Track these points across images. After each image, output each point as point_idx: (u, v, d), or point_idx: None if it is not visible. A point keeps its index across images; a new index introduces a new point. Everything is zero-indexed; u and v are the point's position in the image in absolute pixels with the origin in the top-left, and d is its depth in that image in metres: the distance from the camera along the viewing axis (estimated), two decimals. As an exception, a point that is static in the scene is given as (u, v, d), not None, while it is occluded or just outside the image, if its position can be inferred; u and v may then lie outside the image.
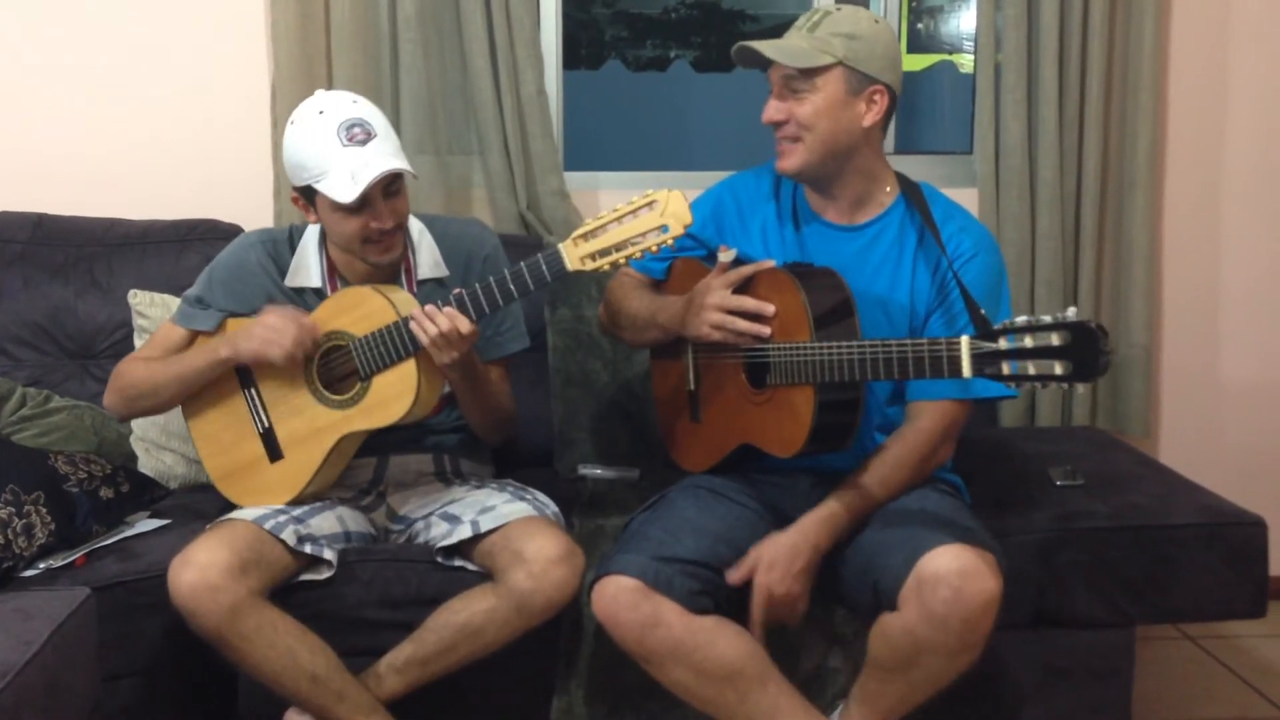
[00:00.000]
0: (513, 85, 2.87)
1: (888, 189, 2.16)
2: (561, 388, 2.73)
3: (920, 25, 7.52)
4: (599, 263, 1.97)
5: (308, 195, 2.17)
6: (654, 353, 2.38)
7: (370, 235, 2.14)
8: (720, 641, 1.97)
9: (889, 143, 3.37)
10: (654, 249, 1.94)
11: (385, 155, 2.11)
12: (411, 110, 2.87)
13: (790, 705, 1.99)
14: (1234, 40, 3.07)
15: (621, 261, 1.96)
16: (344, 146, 2.09)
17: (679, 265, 2.30)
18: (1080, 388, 1.64)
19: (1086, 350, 1.62)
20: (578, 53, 7.46)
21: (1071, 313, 1.64)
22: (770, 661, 2.01)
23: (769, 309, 2.02)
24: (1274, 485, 3.06)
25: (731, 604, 2.03)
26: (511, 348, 2.38)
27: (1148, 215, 2.99)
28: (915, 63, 7.05)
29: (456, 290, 2.08)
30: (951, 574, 1.82)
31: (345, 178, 2.08)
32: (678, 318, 2.11)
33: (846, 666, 2.12)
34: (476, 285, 2.06)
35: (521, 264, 2.03)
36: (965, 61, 6.65)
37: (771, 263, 2.08)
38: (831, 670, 2.14)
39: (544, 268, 2.01)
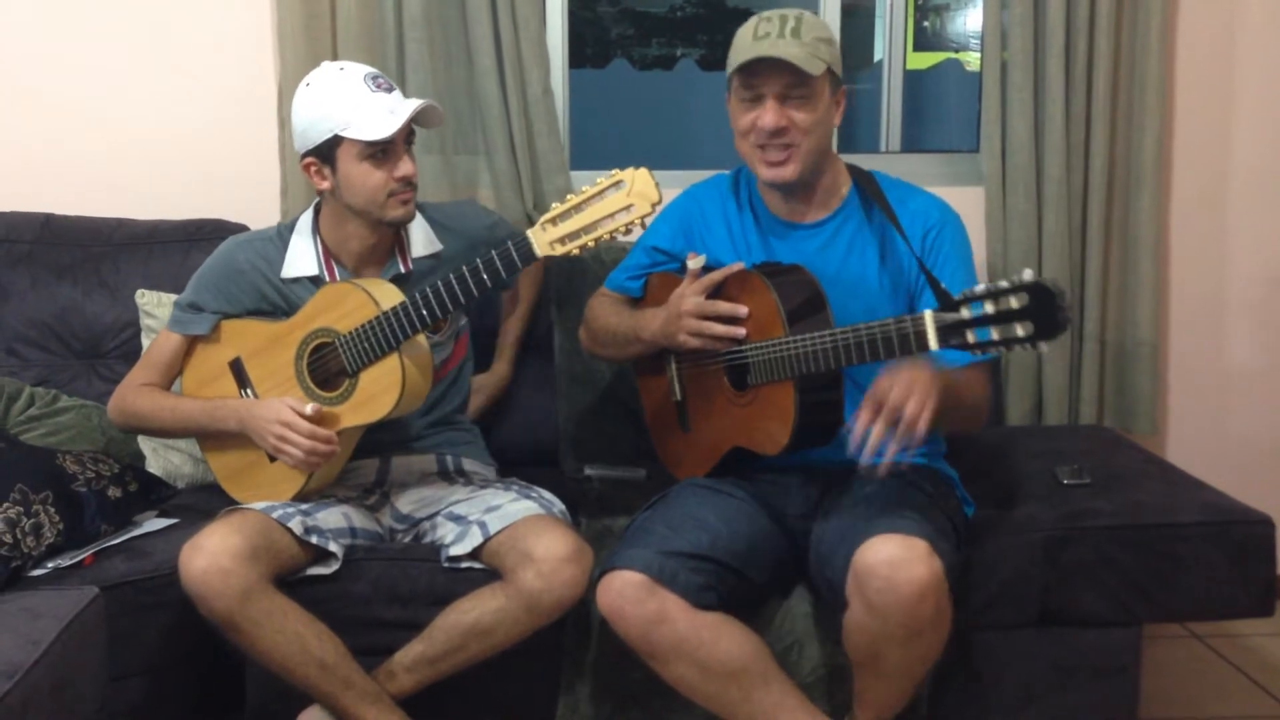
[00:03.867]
0: (518, 84, 2.87)
1: (842, 182, 2.21)
2: (567, 387, 2.74)
3: (926, 23, 7.50)
4: (568, 246, 2.00)
5: (327, 154, 2.18)
6: (638, 368, 2.40)
7: (394, 187, 2.18)
8: (724, 639, 1.98)
9: (894, 141, 3.39)
10: (623, 229, 1.97)
11: (411, 100, 2.18)
12: (417, 110, 2.87)
13: (793, 705, 2.00)
14: (1240, 37, 3.07)
15: (590, 244, 1.99)
16: (373, 92, 2.15)
17: (654, 280, 2.33)
18: (1044, 346, 1.66)
19: (1046, 309, 1.64)
20: (583, 51, 7.45)
21: (1028, 274, 1.66)
22: (774, 660, 2.02)
23: (742, 310, 2.05)
24: (1281, 483, 3.06)
25: (736, 598, 2.04)
26: None
27: (1154, 213, 2.98)
28: (921, 61, 7.04)
29: (432, 284, 2.10)
30: (880, 564, 1.83)
31: (381, 114, 2.13)
32: (657, 330, 2.15)
33: (852, 668, 2.12)
34: (450, 275, 2.09)
35: (492, 252, 2.06)
36: (971, 59, 6.63)
37: (741, 265, 2.11)
38: (838, 671, 2.14)
39: (514, 254, 2.04)
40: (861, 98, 6.12)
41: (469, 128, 2.96)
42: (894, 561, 1.83)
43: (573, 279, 2.73)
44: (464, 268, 2.08)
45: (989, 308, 1.68)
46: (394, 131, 2.12)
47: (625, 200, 1.96)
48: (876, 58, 6.08)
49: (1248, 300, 3.15)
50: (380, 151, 2.15)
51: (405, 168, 2.17)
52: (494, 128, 2.88)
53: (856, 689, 2.02)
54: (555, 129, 2.92)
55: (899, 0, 3.30)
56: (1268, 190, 3.13)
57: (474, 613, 2.07)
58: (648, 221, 1.98)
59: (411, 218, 2.24)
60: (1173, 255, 3.12)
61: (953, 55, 7.12)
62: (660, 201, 1.96)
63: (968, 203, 2.98)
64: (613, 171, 1.97)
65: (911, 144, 5.65)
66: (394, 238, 2.31)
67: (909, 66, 5.71)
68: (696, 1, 7.93)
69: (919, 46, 7.23)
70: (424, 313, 2.09)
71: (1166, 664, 2.82)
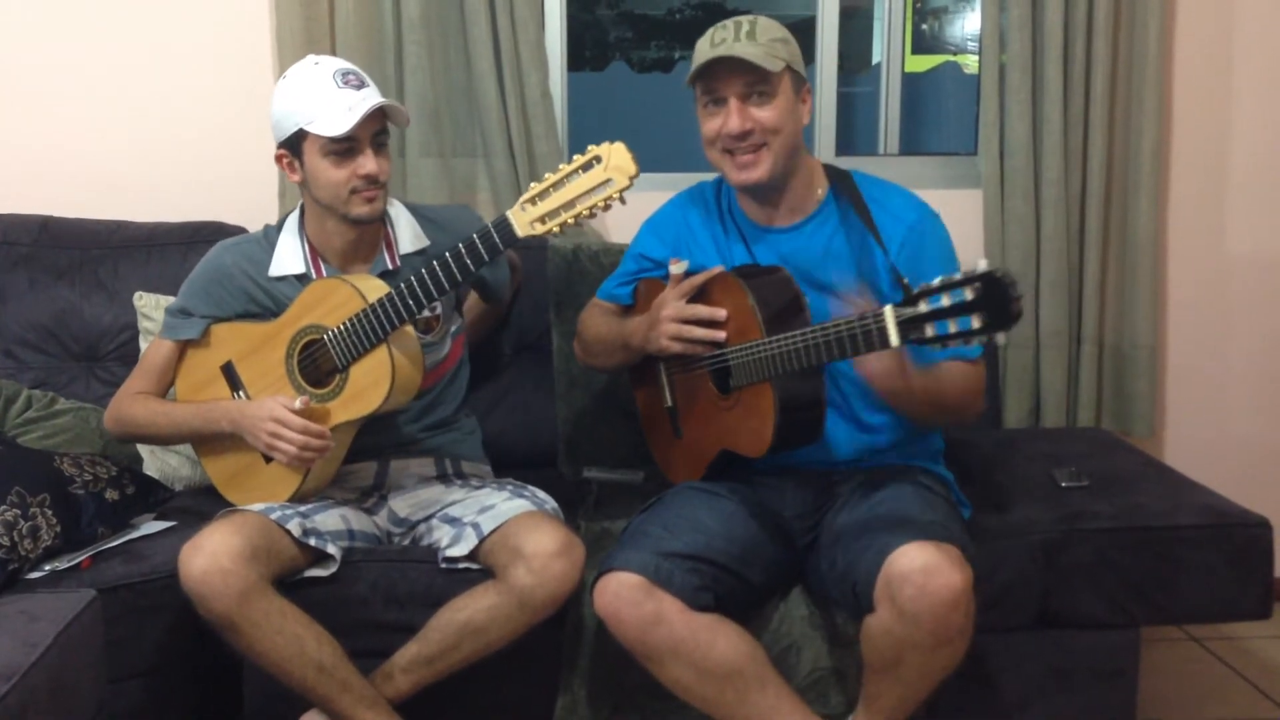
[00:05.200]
0: (517, 87, 2.87)
1: (818, 183, 2.21)
2: (565, 390, 2.74)
3: (925, 26, 7.51)
4: (549, 225, 2.01)
5: (295, 147, 2.19)
6: (633, 376, 2.41)
7: (356, 184, 2.17)
8: (721, 641, 1.98)
9: (892, 144, 3.40)
10: (602, 204, 1.98)
11: (378, 97, 2.17)
12: (416, 113, 2.87)
13: (789, 708, 2.00)
14: (1239, 40, 3.07)
15: (570, 222, 2.00)
16: (339, 88, 2.15)
17: (643, 288, 2.34)
18: (1001, 338, 1.65)
19: (997, 300, 1.62)
20: (582, 54, 7.46)
21: (982, 265, 1.65)
22: (770, 663, 2.02)
23: (720, 314, 2.06)
24: (1279, 486, 3.05)
25: (732, 600, 2.04)
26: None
27: (1152, 216, 2.98)
28: (920, 63, 7.04)
29: (415, 272, 2.11)
30: (915, 571, 1.83)
31: (341, 111, 2.13)
32: (642, 336, 2.16)
33: (849, 670, 2.12)
34: (434, 263, 2.10)
35: (474, 235, 2.07)
36: (970, 62, 6.64)
37: (721, 268, 2.12)
38: (835, 674, 2.14)
39: (494, 236, 2.05)
40: (860, 100, 6.13)
41: (467, 131, 2.96)
42: (928, 569, 1.83)
43: (572, 281, 2.73)
44: (446, 254, 2.09)
45: (945, 300, 1.67)
46: (348, 129, 2.12)
47: (603, 175, 1.97)
48: (875, 60, 6.09)
49: (1246, 303, 3.16)
50: (344, 149, 2.15)
51: (368, 166, 2.17)
52: (492, 130, 2.88)
53: (868, 692, 2.02)
54: (554, 132, 2.92)
55: (897, 3, 3.31)
56: (1266, 193, 3.13)
57: (467, 611, 2.07)
58: (626, 196, 1.98)
59: (376, 216, 2.23)
60: (1170, 258, 3.12)
61: (951, 58, 7.12)
62: (637, 175, 1.97)
63: (966, 206, 3.00)
64: (589, 147, 1.98)
65: (910, 146, 5.67)
66: (380, 235, 2.31)
67: (907, 69, 5.72)
68: (695, 4, 7.93)
69: (917, 49, 7.24)
70: (409, 301, 2.10)
71: (1165, 667, 2.82)
